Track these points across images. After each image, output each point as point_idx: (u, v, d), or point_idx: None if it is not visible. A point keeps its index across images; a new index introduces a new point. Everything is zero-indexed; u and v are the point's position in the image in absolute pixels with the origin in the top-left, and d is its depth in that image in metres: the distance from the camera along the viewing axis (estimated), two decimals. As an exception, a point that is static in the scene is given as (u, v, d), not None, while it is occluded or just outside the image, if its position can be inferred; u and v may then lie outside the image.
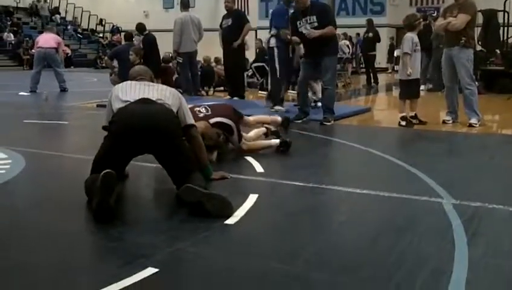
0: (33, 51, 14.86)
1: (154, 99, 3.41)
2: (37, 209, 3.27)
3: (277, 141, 4.87)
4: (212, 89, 11.67)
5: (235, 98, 9.35)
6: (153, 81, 3.81)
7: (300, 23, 6.65)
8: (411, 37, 6.47)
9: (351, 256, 2.51)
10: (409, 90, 6.64)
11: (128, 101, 3.38)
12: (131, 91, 3.48)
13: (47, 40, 11.56)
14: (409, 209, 3.24)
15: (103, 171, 2.92)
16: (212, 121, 4.40)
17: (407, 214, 3.13)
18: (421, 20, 6.91)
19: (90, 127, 6.79)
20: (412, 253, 2.51)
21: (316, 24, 6.50)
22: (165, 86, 3.70)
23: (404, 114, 6.63)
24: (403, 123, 6.54)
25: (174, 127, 3.38)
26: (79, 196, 3.27)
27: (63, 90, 11.56)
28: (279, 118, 5.81)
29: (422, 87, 11.94)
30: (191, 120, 3.67)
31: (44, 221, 3.03)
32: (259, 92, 11.04)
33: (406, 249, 2.54)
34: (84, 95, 10.87)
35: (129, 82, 3.63)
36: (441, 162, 4.62)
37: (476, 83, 7.74)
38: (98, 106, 8.50)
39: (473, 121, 6.52)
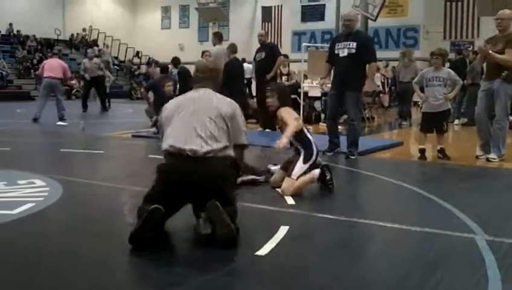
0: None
1: (201, 151, 3.29)
2: (72, 235, 3.37)
3: (317, 170, 4.58)
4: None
5: (267, 130, 9.43)
6: (215, 77, 3.70)
7: (338, 45, 6.70)
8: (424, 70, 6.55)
9: (382, 291, 2.50)
10: (432, 123, 6.62)
11: (175, 148, 3.32)
12: (180, 126, 3.39)
13: (54, 68, 11.50)
14: (441, 244, 3.21)
15: (153, 206, 2.99)
16: None
17: (439, 250, 3.10)
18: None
19: (125, 156, 6.96)
20: (444, 289, 2.48)
21: (353, 51, 6.54)
22: (220, 105, 3.51)
23: (422, 147, 6.62)
24: (419, 155, 6.56)
25: (220, 185, 3.30)
26: (113, 224, 3.35)
27: (62, 118, 11.21)
28: (316, 172, 4.80)
29: (456, 121, 11.88)
30: (242, 139, 3.63)
31: (79, 247, 3.11)
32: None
33: (438, 286, 2.52)
34: (119, 125, 11.13)
35: (180, 106, 3.50)
36: (474, 197, 4.56)
37: (511, 118, 7.64)
38: (133, 136, 8.69)
39: (492, 156, 6.46)
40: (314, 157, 4.60)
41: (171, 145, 3.35)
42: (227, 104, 3.56)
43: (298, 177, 4.47)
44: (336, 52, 6.72)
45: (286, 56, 12.22)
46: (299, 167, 4.52)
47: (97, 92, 15.43)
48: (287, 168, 4.61)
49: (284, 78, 11.40)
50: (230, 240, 3.01)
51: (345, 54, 6.61)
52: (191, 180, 3.24)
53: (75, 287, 2.49)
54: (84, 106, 14.65)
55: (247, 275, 2.67)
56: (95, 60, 15.40)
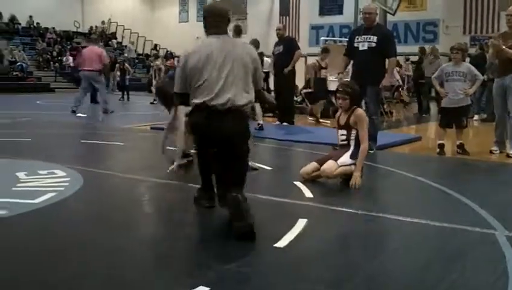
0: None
1: (236, 104, 3.39)
2: (93, 224, 3.42)
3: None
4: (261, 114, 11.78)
5: (285, 123, 9.43)
6: (229, 21, 3.66)
7: (358, 39, 6.66)
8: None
9: (400, 284, 2.50)
10: (451, 118, 6.57)
11: (208, 101, 3.38)
12: (214, 78, 3.40)
13: (90, 59, 11.34)
14: (460, 239, 3.19)
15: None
16: None
17: (458, 245, 3.09)
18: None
19: (144, 148, 7.01)
20: (463, 284, 2.47)
21: (374, 44, 6.50)
22: (246, 50, 3.58)
23: (441, 142, 6.57)
24: (437, 150, 6.52)
25: (242, 140, 3.51)
26: (132, 214, 3.39)
27: (105, 112, 11.36)
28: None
29: (475, 117, 11.75)
30: (261, 83, 3.79)
31: (99, 237, 3.16)
32: (309, 118, 11.08)
33: (457, 280, 2.51)
34: (138, 117, 11.21)
35: (209, 56, 3.44)
36: (493, 192, 4.53)
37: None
38: (151, 128, 8.75)
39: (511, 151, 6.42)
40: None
41: (204, 100, 3.39)
42: (250, 47, 3.65)
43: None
44: (356, 45, 6.68)
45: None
46: (346, 158, 4.60)
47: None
48: (323, 163, 4.63)
49: (323, 71, 11.27)
50: (248, 234, 3.03)
51: (365, 47, 6.57)
52: (222, 135, 3.39)
53: (94, 276, 2.53)
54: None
55: (266, 266, 2.68)
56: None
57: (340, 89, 4.80)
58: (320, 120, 10.56)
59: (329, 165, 4.53)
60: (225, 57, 3.43)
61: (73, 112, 11.17)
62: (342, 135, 4.77)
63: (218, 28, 3.58)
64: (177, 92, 3.63)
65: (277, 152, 6.80)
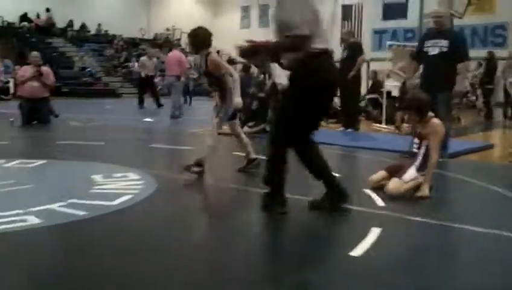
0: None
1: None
2: (168, 226, 3.53)
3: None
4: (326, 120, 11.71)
5: (349, 129, 9.34)
6: None
7: (427, 43, 6.51)
8: None
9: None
10: None
11: (322, 49, 3.55)
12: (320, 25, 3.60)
13: (170, 64, 11.65)
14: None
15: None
16: None
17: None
18: None
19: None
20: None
21: (445, 49, 6.33)
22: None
23: None
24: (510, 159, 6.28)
25: None
26: (205, 216, 3.46)
27: (173, 117, 11.54)
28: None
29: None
30: None
31: (174, 237, 3.25)
32: (373, 124, 10.92)
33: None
34: (202, 122, 11.39)
35: (315, 11, 3.63)
36: None
37: None
38: (219, 134, 8.87)
39: None
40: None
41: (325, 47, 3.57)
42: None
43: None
44: (425, 50, 6.53)
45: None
46: (412, 173, 4.47)
47: (150, 90, 15.58)
48: (392, 171, 4.56)
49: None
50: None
51: (436, 52, 6.41)
52: (334, 77, 3.74)
53: (171, 276, 2.61)
54: (141, 103, 15.01)
55: (342, 274, 2.67)
56: (154, 59, 15.75)
57: (406, 106, 4.69)
58: (385, 126, 10.38)
59: (394, 186, 4.38)
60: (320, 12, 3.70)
61: (175, 116, 11.48)
62: (415, 143, 4.66)
63: None
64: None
65: (343, 159, 6.75)
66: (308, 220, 3.73)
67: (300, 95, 3.56)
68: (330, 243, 3.04)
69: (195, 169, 4.99)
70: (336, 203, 3.82)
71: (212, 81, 5.32)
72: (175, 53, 12.38)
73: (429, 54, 6.46)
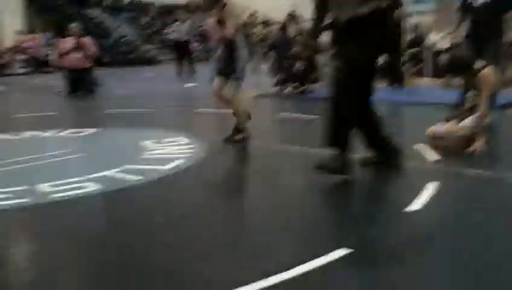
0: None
1: None
2: (224, 190, 3.60)
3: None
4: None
5: (395, 85, 9.14)
6: None
7: None
8: None
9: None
10: None
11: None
12: None
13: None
14: None
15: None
16: None
17: None
18: None
19: (256, 115, 7.12)
20: None
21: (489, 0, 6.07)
22: None
23: None
24: None
25: None
26: (258, 180, 3.48)
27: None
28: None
29: None
30: None
31: (229, 204, 3.32)
32: (417, 78, 10.65)
33: None
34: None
35: None
36: None
37: None
38: (258, 95, 8.86)
39: None
40: None
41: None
42: None
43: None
44: (469, 1, 6.28)
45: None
46: (467, 122, 4.37)
47: (184, 55, 15.25)
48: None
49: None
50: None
51: (481, 2, 6.16)
52: None
53: (222, 242, 2.65)
54: (179, 69, 14.90)
55: (396, 232, 2.67)
56: (186, 25, 15.55)
57: (447, 70, 4.59)
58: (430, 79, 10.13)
59: (449, 128, 4.34)
60: None
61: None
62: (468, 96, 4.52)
63: None
64: None
65: (391, 115, 6.63)
66: (361, 177, 3.69)
67: (371, 46, 3.51)
68: (386, 200, 3.02)
69: (238, 137, 4.99)
70: (389, 159, 3.78)
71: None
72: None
73: (473, 5, 6.22)
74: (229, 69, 4.92)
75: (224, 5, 4.84)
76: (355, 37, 3.49)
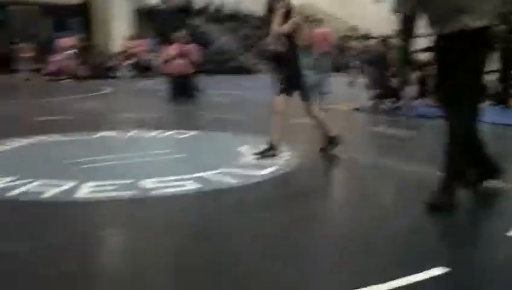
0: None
1: None
2: (320, 198, 3.61)
3: None
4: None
5: (500, 105, 8.71)
6: None
7: None
8: None
9: None
10: None
11: None
12: None
13: (318, 43, 11.43)
14: None
15: None
16: None
17: None
18: None
19: (351, 129, 7.09)
20: None
21: None
22: None
23: None
24: None
25: None
26: (351, 192, 3.47)
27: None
28: None
29: None
30: None
31: (327, 210, 3.32)
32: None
33: None
34: (337, 97, 11.32)
35: None
36: None
37: None
38: (354, 109, 8.79)
39: None
40: None
41: None
42: None
43: None
44: None
45: None
46: None
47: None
48: None
49: None
50: None
51: None
52: None
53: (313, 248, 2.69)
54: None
55: (497, 255, 2.58)
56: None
57: None
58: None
59: None
60: None
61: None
62: None
63: None
64: None
65: (493, 136, 6.34)
66: (463, 198, 3.55)
67: (482, 64, 3.38)
68: (488, 223, 2.91)
69: (332, 146, 5.00)
70: (491, 177, 3.61)
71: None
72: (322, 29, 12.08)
73: None
74: (290, 84, 5.01)
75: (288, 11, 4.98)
76: (473, 53, 3.35)
